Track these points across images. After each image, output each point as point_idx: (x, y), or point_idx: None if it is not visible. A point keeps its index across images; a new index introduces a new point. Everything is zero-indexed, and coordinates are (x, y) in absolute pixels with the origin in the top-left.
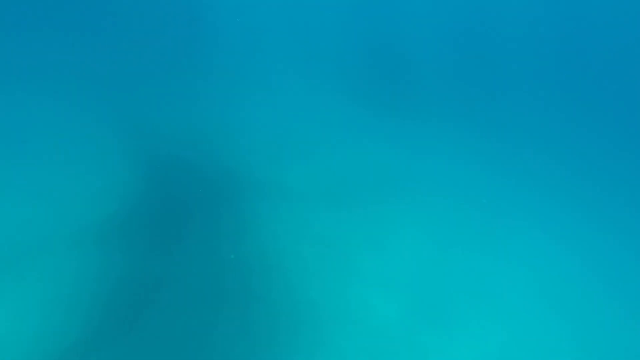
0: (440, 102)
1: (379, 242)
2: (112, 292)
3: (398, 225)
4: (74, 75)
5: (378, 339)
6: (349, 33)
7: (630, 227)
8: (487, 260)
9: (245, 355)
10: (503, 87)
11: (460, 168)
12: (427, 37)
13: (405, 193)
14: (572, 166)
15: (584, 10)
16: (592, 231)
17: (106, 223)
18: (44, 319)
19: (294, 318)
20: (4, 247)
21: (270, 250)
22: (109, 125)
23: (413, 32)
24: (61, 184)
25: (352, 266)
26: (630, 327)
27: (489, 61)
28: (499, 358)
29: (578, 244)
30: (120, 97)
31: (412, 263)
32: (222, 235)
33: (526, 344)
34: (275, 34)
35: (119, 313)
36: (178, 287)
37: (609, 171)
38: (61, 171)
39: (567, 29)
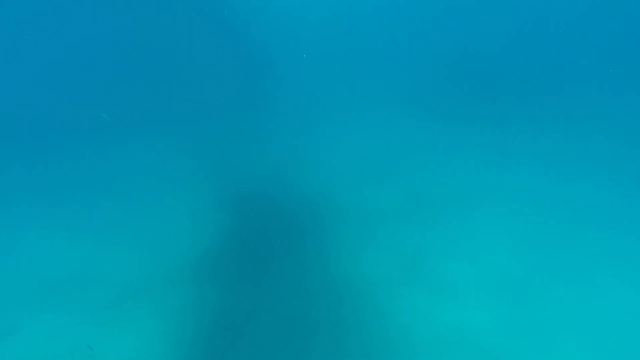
0: (518, 112)
1: (466, 257)
2: (208, 326)
3: (485, 238)
4: (160, 123)
5: (472, 357)
6: (419, 52)
7: None
8: (577, 266)
9: None
10: (583, 93)
11: (543, 176)
12: (499, 49)
13: (488, 205)
14: None
15: None
16: None
17: (199, 261)
18: (147, 353)
19: (386, 343)
20: (112, 289)
21: (356, 276)
22: (194, 168)
23: (482, 43)
24: (157, 229)
25: (441, 284)
26: None
27: (565, 67)
28: None
29: None
30: (201, 139)
31: (502, 275)
32: (308, 265)
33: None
34: (344, 60)
35: (216, 345)
36: (268, 318)
37: None
38: (156, 215)
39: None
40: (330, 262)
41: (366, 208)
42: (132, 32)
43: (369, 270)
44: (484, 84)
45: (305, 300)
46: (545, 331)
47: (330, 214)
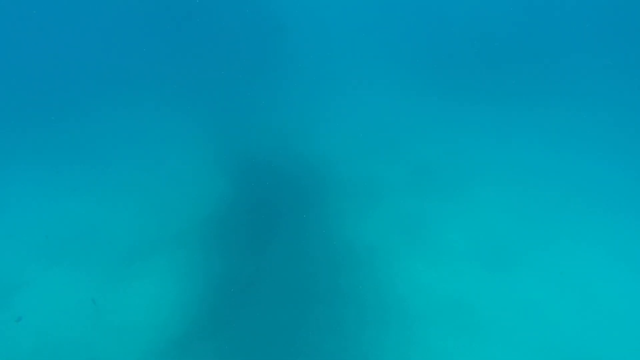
0: (523, 90)
1: (466, 228)
2: (211, 289)
3: (485, 210)
4: (171, 85)
5: (469, 333)
6: (428, 28)
7: None
8: (574, 236)
9: (334, 350)
10: (587, 67)
11: (543, 149)
12: (505, 23)
13: (489, 177)
14: None
15: None
16: None
17: (205, 226)
18: (153, 311)
19: (382, 315)
20: (120, 247)
21: (358, 246)
22: (202, 132)
23: (489, 22)
24: (165, 191)
25: (442, 258)
26: None
27: (571, 41)
28: None
29: None
30: (210, 103)
31: (501, 247)
32: (311, 234)
33: None
34: (356, 32)
35: (218, 309)
36: (269, 285)
37: None
38: (164, 179)
39: None
40: (332, 231)
41: (369, 178)
42: None
43: (369, 241)
44: (491, 59)
45: (307, 267)
46: (541, 299)
47: (334, 183)
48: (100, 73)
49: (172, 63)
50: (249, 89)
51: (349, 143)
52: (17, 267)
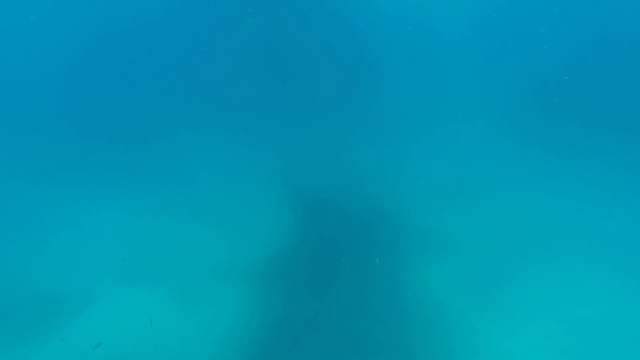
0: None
1: (550, 303)
2: (267, 330)
3: (570, 288)
4: (251, 122)
5: None
6: (520, 74)
7: None
8: None
9: None
10: None
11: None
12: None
13: (585, 249)
14: None
15: None
16: None
17: (271, 262)
18: (207, 342)
19: None
20: (188, 275)
21: (426, 302)
22: (281, 167)
23: (569, 71)
24: (237, 222)
25: (517, 327)
26: None
27: None
28: None
29: None
30: (291, 141)
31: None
32: (377, 282)
33: None
34: (442, 76)
35: (273, 349)
36: (328, 331)
37: None
38: (238, 210)
39: None
40: (400, 281)
41: (444, 229)
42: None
43: (440, 299)
44: (580, 112)
45: (369, 317)
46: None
47: (407, 231)
48: (186, 104)
49: (254, 97)
50: (331, 127)
51: (426, 190)
52: (92, 284)
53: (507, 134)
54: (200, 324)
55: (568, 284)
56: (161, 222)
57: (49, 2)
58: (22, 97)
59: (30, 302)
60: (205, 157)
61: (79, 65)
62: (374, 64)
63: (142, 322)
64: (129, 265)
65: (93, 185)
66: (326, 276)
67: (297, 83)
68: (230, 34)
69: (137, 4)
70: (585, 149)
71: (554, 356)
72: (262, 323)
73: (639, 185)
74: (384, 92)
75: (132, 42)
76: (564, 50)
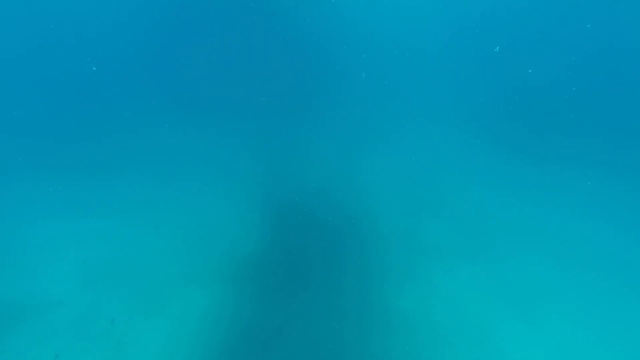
0: (586, 153)
1: (516, 305)
2: (237, 333)
3: (538, 292)
4: (225, 121)
5: None
6: (485, 78)
7: None
8: None
9: None
10: None
11: (607, 229)
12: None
13: (544, 250)
14: None
15: None
16: None
17: (239, 266)
18: (172, 348)
19: None
20: (152, 278)
21: (394, 308)
22: (250, 171)
23: (546, 74)
24: (206, 224)
25: (484, 331)
26: None
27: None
28: None
29: None
30: (255, 145)
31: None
32: (346, 289)
33: None
34: (406, 81)
35: (240, 355)
36: (296, 337)
37: None
38: (207, 213)
39: None
40: (370, 290)
41: (414, 238)
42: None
43: (408, 306)
44: (554, 118)
45: (337, 324)
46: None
47: (377, 239)
48: (157, 100)
49: (228, 99)
50: (302, 131)
51: (396, 195)
52: (53, 288)
53: (477, 138)
54: (165, 329)
55: (536, 288)
56: (128, 224)
57: None
58: None
59: None
60: (175, 158)
61: (29, 61)
62: (345, 67)
63: (104, 328)
64: (90, 269)
65: (52, 185)
66: (296, 281)
67: (269, 86)
68: (200, 31)
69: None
70: (556, 153)
71: None
72: (230, 328)
73: (608, 189)
74: (356, 97)
75: (88, 36)
76: (538, 54)
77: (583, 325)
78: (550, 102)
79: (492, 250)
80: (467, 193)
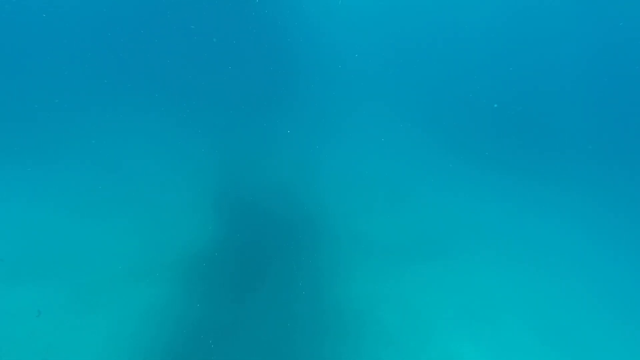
0: (552, 163)
1: (465, 307)
2: (183, 333)
3: (485, 285)
4: (176, 115)
5: None
6: (443, 76)
7: None
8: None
9: None
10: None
11: (556, 231)
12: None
13: (495, 253)
14: None
15: None
16: None
17: (190, 263)
18: (118, 348)
19: None
20: (98, 273)
21: (346, 310)
22: (203, 167)
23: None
24: (155, 219)
25: (433, 334)
26: None
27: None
28: None
29: None
30: (209, 140)
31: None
32: (298, 289)
33: None
34: (367, 80)
35: (185, 356)
36: (247, 338)
37: None
38: (156, 207)
39: None
40: (322, 288)
41: (367, 239)
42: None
43: (360, 307)
44: (514, 122)
45: (289, 324)
46: None
47: (330, 239)
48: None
49: (188, 92)
50: (256, 127)
51: (350, 193)
52: None
53: (432, 138)
54: (105, 329)
55: (486, 291)
56: (71, 217)
57: None
58: None
59: None
60: (125, 149)
61: None
62: (305, 66)
63: (33, 328)
64: (9, 264)
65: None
66: (247, 280)
67: (225, 81)
68: (162, 19)
69: None
70: (506, 157)
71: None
72: (176, 329)
73: (558, 191)
74: (310, 93)
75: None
76: (496, 55)
77: (532, 328)
78: (503, 103)
79: (444, 253)
80: (421, 195)
